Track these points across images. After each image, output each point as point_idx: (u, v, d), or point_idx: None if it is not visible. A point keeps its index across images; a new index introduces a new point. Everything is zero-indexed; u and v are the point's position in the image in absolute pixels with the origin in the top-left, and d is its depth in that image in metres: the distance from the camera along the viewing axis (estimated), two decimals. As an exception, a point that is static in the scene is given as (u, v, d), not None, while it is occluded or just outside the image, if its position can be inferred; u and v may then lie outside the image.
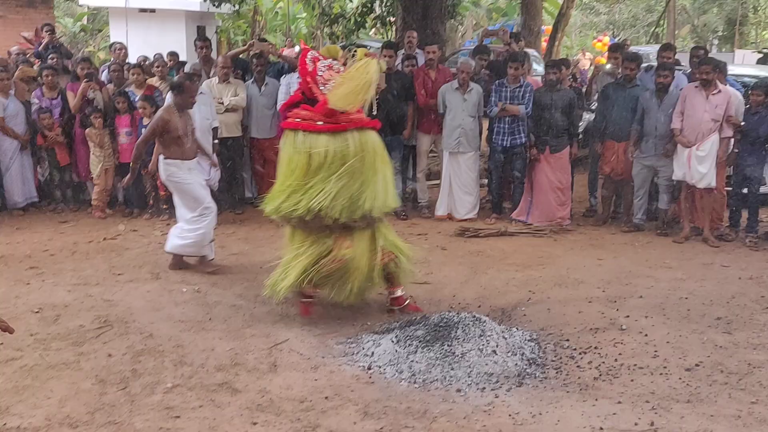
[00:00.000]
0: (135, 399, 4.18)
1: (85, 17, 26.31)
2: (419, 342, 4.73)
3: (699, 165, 7.32)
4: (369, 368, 4.59)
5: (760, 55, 17.48)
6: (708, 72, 7.40)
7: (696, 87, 7.49)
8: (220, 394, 4.24)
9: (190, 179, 6.39)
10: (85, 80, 8.42)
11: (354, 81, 5.13)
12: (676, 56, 8.77)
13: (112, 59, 10.19)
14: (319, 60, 5.33)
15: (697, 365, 4.59)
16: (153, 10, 18.18)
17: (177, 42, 16.68)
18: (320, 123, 5.13)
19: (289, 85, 8.54)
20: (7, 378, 4.46)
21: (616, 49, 9.10)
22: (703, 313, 5.51)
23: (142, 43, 14.81)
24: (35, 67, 9.21)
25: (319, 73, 5.26)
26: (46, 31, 10.56)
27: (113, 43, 11.29)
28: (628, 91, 7.89)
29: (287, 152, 5.25)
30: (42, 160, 8.64)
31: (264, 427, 3.85)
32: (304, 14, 24.48)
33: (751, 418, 3.95)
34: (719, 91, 7.39)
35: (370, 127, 5.34)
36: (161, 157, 6.43)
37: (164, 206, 8.41)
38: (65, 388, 4.31)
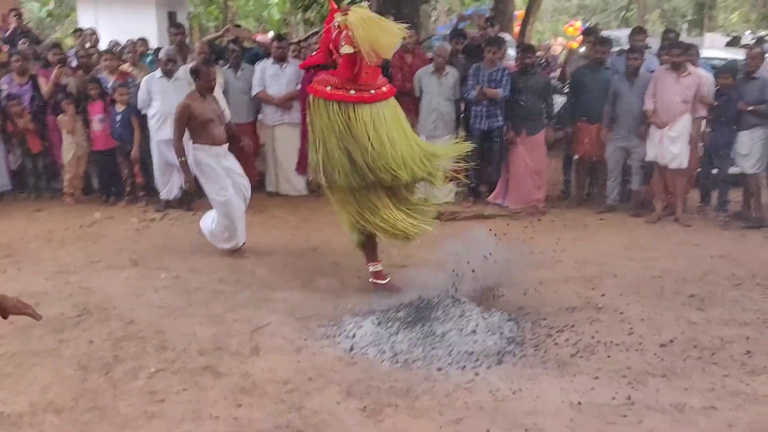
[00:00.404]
0: (118, 384, 4.19)
1: (52, 2, 25.90)
2: (400, 323, 4.80)
3: (671, 145, 7.49)
4: (351, 350, 4.64)
5: (729, 38, 17.76)
6: (678, 55, 7.55)
7: (667, 69, 7.62)
8: (203, 377, 4.26)
9: (215, 165, 6.36)
10: (58, 66, 8.33)
11: (374, 30, 5.00)
12: (647, 40, 8.92)
13: (78, 45, 10.07)
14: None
15: (671, 341, 4.71)
16: (123, -4, 17.93)
17: (147, 28, 16.43)
18: (353, 92, 5.10)
19: (264, 70, 8.54)
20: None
21: (589, 33, 9.22)
22: (676, 291, 5.64)
23: (111, 29, 14.60)
24: (4, 53, 9.07)
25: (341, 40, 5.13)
26: (14, 16, 10.40)
27: (79, 28, 11.14)
28: (599, 74, 8.01)
29: (322, 121, 5.19)
30: (13, 148, 8.53)
31: (248, 409, 3.89)
32: (276, 0, 24.33)
33: (723, 390, 4.08)
34: (689, 74, 7.55)
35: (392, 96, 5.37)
36: (191, 143, 6.40)
37: (141, 193, 8.37)
38: (48, 375, 4.31)
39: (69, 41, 22.25)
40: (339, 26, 5.11)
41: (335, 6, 5.48)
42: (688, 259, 6.45)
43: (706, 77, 7.79)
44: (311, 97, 5.27)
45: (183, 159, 6.37)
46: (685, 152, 7.49)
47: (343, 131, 5.11)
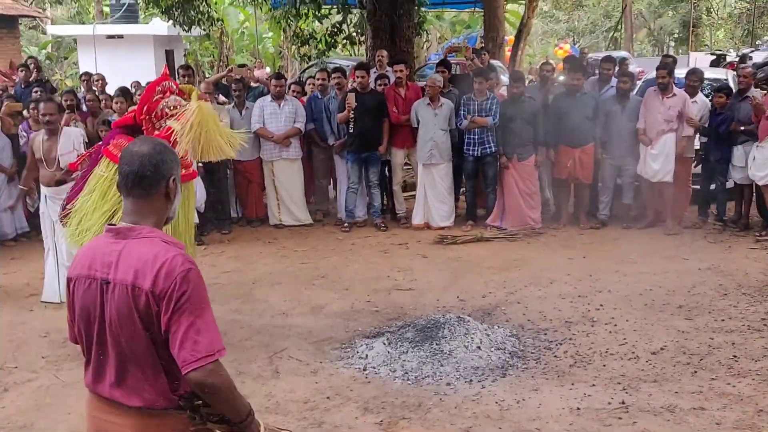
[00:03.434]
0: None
1: (50, 45, 26.47)
2: (409, 343, 5.14)
3: (652, 162, 8.02)
4: (365, 369, 4.98)
5: (713, 57, 18.27)
6: (664, 76, 8.04)
7: (655, 90, 8.10)
8: (229, 400, 4.58)
9: (43, 208, 6.66)
10: (67, 112, 8.71)
11: (213, 127, 4.90)
12: (634, 59, 9.46)
13: (85, 89, 10.50)
14: (171, 93, 4.98)
15: (662, 349, 5.06)
16: (121, 36, 18.40)
17: (146, 67, 16.92)
18: None
19: (262, 108, 8.91)
20: (27, 397, 4.76)
21: (568, 61, 9.71)
22: (666, 302, 5.99)
23: (110, 69, 15.03)
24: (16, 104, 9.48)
25: (161, 106, 4.90)
26: (34, 68, 10.88)
27: (85, 72, 11.59)
28: (578, 99, 8.42)
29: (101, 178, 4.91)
30: (31, 191, 8.88)
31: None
32: (271, 34, 24.85)
33: (711, 392, 4.42)
34: (674, 94, 8.02)
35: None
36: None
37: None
38: (82, 404, 4.61)
39: (68, 82, 22.83)
40: (176, 95, 4.95)
41: (168, 72, 5.28)
42: (677, 272, 6.80)
43: (701, 99, 8.28)
44: (106, 160, 4.92)
45: (21, 187, 6.75)
46: (667, 168, 7.97)
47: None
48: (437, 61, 10.70)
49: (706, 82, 9.24)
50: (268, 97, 9.04)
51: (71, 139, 6.68)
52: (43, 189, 6.69)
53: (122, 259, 2.19)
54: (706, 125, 8.19)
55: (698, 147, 8.53)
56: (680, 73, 9.13)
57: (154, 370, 2.21)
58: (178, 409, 2.24)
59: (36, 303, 6.66)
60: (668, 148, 7.98)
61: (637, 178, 8.32)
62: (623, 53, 21.73)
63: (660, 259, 7.22)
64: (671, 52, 31.87)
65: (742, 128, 7.85)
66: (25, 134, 8.75)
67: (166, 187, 2.28)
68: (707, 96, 8.66)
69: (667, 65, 8.45)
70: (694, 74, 8.42)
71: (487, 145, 8.55)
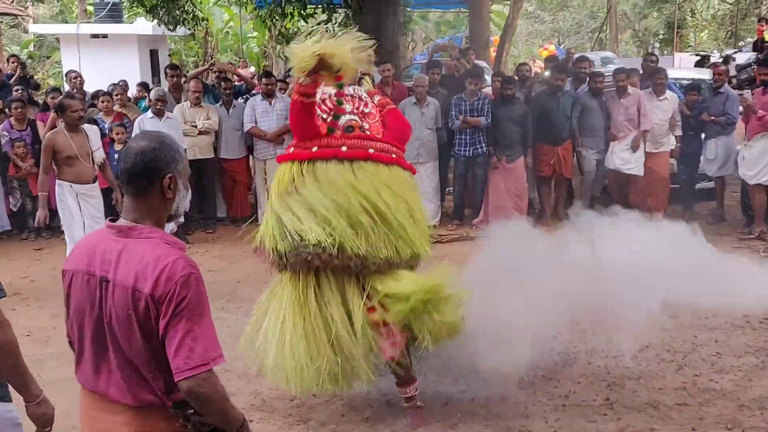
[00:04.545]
0: (135, 408, 4.48)
1: (32, 44, 26.26)
2: (395, 340, 5.14)
3: (620, 153, 8.47)
4: (350, 367, 4.97)
5: (698, 58, 18.43)
6: (623, 80, 8.49)
7: (612, 95, 8.62)
8: (214, 398, 4.56)
9: (71, 204, 6.51)
10: (53, 110, 8.65)
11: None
12: (618, 60, 9.68)
13: (67, 88, 10.45)
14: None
15: (646, 347, 5.10)
16: (105, 36, 18.28)
17: (130, 66, 16.81)
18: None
19: (254, 107, 8.89)
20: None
21: (551, 60, 9.83)
22: (650, 300, 6.01)
23: (94, 69, 14.94)
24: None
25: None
26: (20, 65, 10.81)
27: (71, 71, 11.53)
28: (560, 98, 8.55)
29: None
30: (14, 190, 8.82)
31: (260, 424, 4.21)
32: (255, 33, 24.80)
33: (695, 388, 4.47)
34: (629, 94, 8.43)
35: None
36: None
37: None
38: (68, 402, 4.54)
39: (51, 81, 22.67)
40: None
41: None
42: (663, 269, 6.82)
43: (671, 96, 8.57)
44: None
45: (43, 193, 6.52)
46: (634, 161, 8.39)
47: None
48: (424, 61, 10.73)
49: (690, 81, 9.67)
50: (259, 96, 9.03)
51: (96, 136, 6.74)
52: (72, 186, 6.52)
53: (123, 259, 2.17)
54: (679, 122, 8.56)
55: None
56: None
57: (151, 371, 2.18)
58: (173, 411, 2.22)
59: (18, 302, 6.61)
60: (631, 144, 8.41)
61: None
62: (608, 54, 21.90)
63: (643, 257, 7.25)
64: (656, 53, 32.12)
65: (712, 118, 8.24)
66: (6, 133, 8.68)
67: (161, 185, 2.22)
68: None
69: (623, 69, 8.90)
70: (659, 73, 8.72)
71: (478, 146, 8.58)
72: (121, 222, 2.24)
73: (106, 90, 9.74)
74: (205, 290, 2.17)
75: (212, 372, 2.11)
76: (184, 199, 2.34)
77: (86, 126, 6.77)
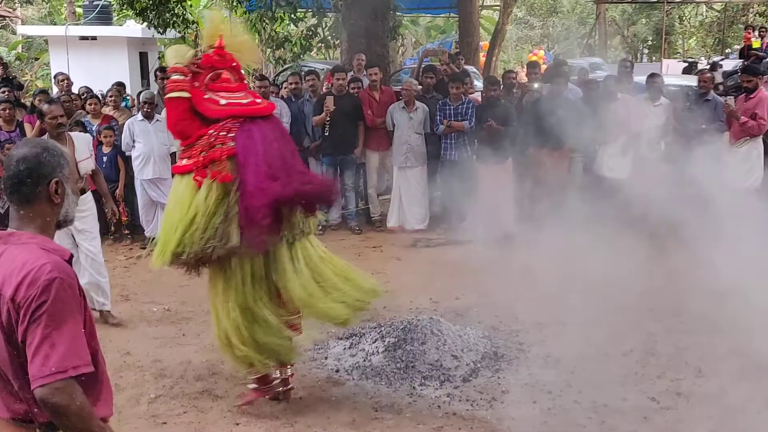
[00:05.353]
0: (121, 410, 4.46)
1: (20, 45, 26.12)
2: (382, 344, 5.16)
3: (608, 159, 8.51)
4: (337, 371, 4.99)
5: (685, 64, 18.56)
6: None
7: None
8: (201, 400, 4.58)
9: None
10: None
11: None
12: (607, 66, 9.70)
13: (56, 90, 10.40)
14: None
15: (632, 350, 5.13)
16: (94, 38, 18.21)
17: (119, 69, 16.75)
18: None
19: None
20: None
21: (533, 66, 9.86)
22: (638, 305, 6.06)
23: (83, 71, 14.87)
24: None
25: None
26: (1, 65, 10.72)
27: (60, 73, 11.49)
28: (555, 104, 8.61)
29: None
30: (1, 192, 8.76)
31: (247, 427, 4.22)
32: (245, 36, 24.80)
33: (679, 392, 4.51)
34: (619, 100, 8.47)
35: None
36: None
37: (126, 231, 8.66)
38: None
39: (39, 83, 22.55)
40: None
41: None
42: (649, 274, 6.88)
43: (665, 102, 8.59)
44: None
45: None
46: (620, 166, 8.40)
47: None
48: (413, 66, 10.76)
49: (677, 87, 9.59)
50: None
51: (85, 145, 6.23)
52: None
53: None
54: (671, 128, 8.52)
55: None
56: (641, 78, 9.55)
57: (21, 382, 2.08)
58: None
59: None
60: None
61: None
62: (596, 59, 21.99)
63: (630, 262, 7.30)
64: (644, 60, 32.32)
65: (704, 127, 8.15)
66: (-8, 136, 8.62)
67: (47, 191, 2.18)
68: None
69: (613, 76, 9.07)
70: (654, 79, 8.73)
71: (464, 149, 8.61)
72: (7, 230, 2.18)
73: (93, 93, 9.72)
74: (75, 296, 2.08)
75: (70, 381, 2.00)
76: (73, 204, 2.29)
77: (74, 134, 6.35)
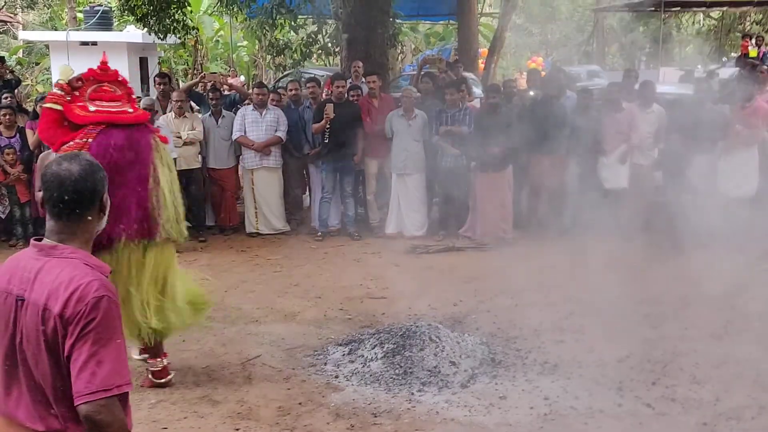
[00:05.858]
0: (122, 415, 4.51)
1: (21, 50, 26.19)
2: (381, 350, 5.20)
3: (604, 169, 8.63)
4: (336, 376, 5.03)
5: (682, 72, 18.62)
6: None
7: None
8: (201, 406, 4.62)
9: None
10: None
11: None
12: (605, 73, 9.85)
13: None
14: None
15: (627, 356, 5.18)
16: (95, 43, 18.27)
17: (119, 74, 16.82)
18: None
19: (244, 116, 8.95)
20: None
21: (533, 74, 9.96)
22: (633, 311, 6.11)
23: (84, 76, 14.91)
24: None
25: None
26: (9, 70, 10.80)
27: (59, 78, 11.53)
28: (552, 110, 8.71)
29: None
30: (2, 197, 8.82)
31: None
32: (246, 42, 24.87)
33: (674, 398, 4.55)
34: (623, 109, 8.62)
35: None
36: None
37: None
38: None
39: (40, 88, 22.61)
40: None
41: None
42: (645, 281, 6.95)
43: (658, 109, 8.67)
44: None
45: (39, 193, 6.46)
46: (619, 174, 8.55)
47: None
48: (413, 73, 10.83)
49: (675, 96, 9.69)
50: (250, 106, 9.09)
51: None
52: None
53: (39, 278, 2.12)
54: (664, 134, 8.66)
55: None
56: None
57: (59, 396, 2.12)
58: None
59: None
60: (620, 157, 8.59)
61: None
62: (594, 67, 22.10)
63: (626, 269, 7.36)
64: (642, 67, 32.35)
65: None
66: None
67: (98, 207, 2.22)
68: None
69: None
70: (647, 86, 8.84)
71: (461, 156, 8.66)
72: (45, 241, 2.19)
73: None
74: (120, 315, 2.12)
75: (113, 399, 2.04)
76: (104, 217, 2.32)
77: None
